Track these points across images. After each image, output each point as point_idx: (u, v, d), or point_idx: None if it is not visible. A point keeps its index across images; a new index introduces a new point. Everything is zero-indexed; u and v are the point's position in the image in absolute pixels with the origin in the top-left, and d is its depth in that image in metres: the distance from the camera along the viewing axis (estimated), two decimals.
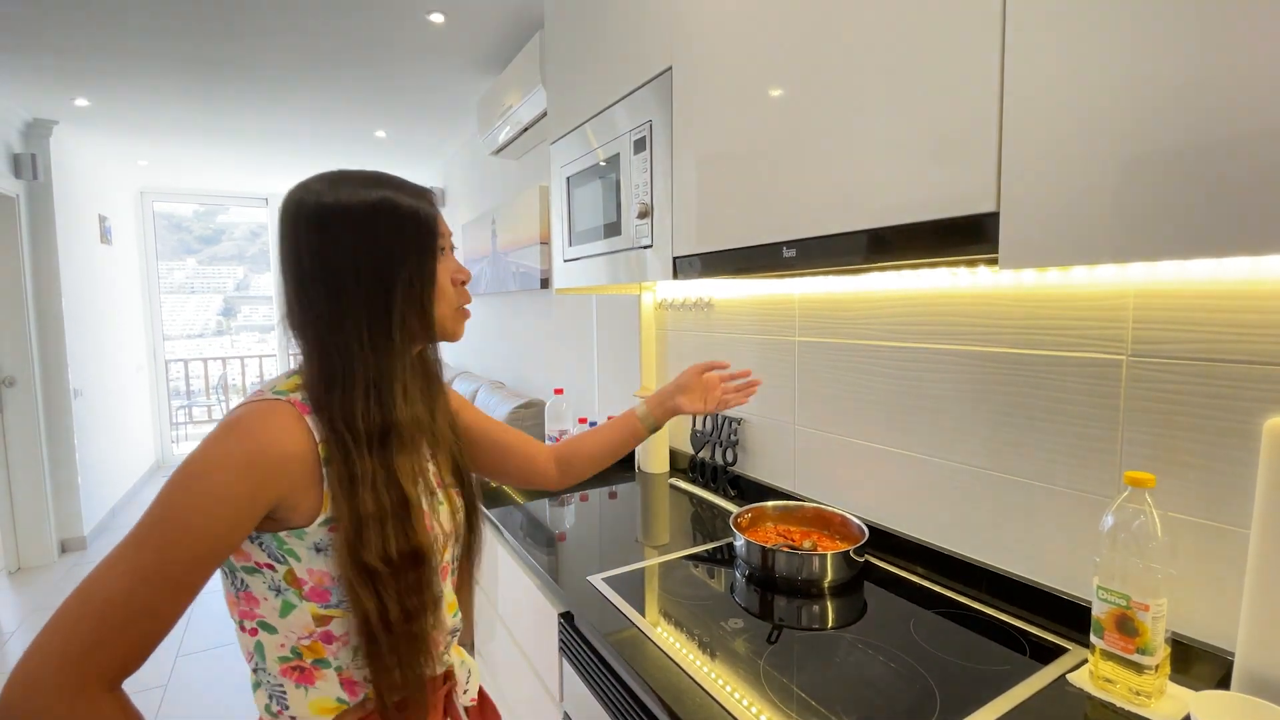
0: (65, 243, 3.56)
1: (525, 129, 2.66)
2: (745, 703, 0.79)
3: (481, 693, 0.91)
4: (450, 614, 0.80)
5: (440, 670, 0.79)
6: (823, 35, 0.90)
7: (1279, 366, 0.74)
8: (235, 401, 6.95)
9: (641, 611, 1.04)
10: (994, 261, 0.72)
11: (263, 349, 7.51)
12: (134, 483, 4.74)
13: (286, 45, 2.57)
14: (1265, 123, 0.51)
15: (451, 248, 0.79)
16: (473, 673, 0.87)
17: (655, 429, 1.09)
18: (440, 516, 0.77)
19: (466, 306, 0.79)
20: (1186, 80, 0.55)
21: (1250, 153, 0.52)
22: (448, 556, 0.79)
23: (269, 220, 5.92)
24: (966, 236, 0.72)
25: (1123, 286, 0.86)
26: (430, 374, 0.80)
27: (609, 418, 1.20)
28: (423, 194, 0.74)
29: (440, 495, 0.79)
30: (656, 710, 0.83)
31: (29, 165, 3.28)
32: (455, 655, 0.84)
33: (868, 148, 0.84)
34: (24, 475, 3.40)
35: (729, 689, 0.82)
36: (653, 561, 1.24)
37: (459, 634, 0.84)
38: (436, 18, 2.35)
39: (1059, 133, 0.64)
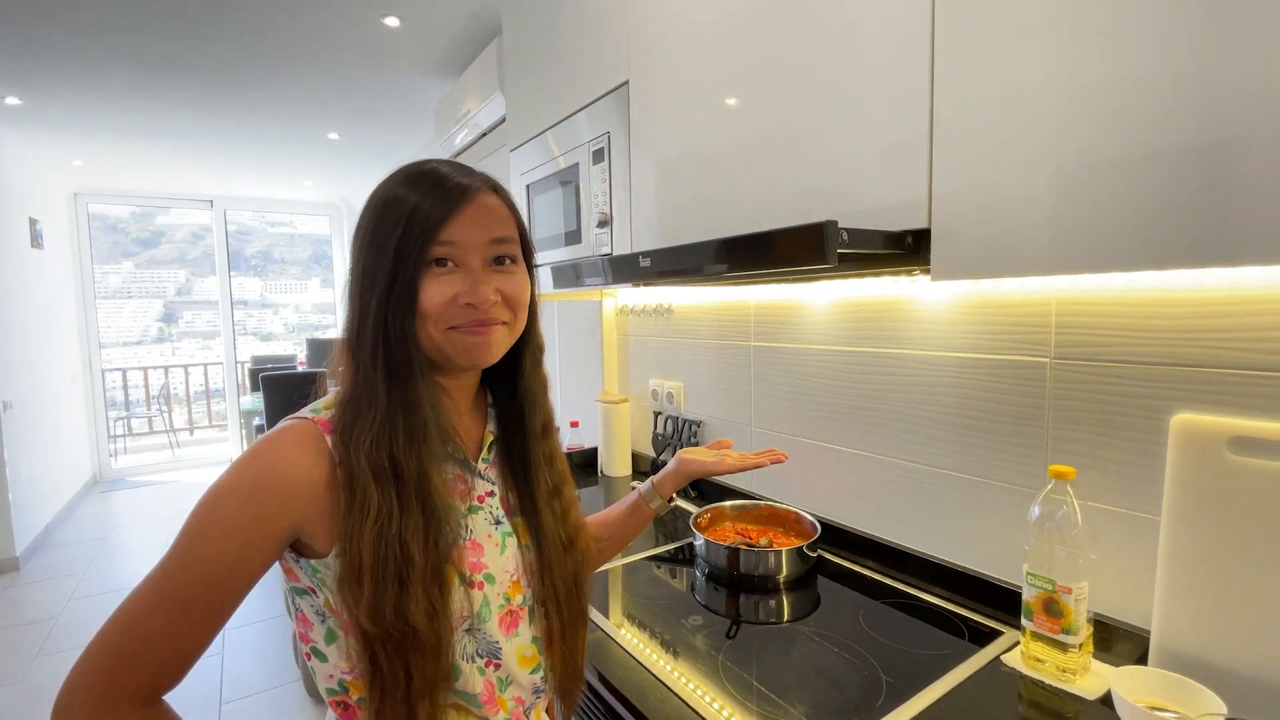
0: None
1: (484, 134, 2.66)
2: (707, 699, 0.83)
3: None
4: (525, 670, 0.68)
5: None
6: (771, 60, 0.94)
7: (1183, 367, 0.81)
8: (179, 412, 6.69)
9: (605, 613, 1.06)
10: (928, 271, 0.77)
11: (207, 356, 7.22)
12: (69, 499, 4.51)
13: (234, 44, 2.51)
14: (1162, 144, 0.57)
15: (487, 261, 0.63)
16: None
17: (664, 507, 0.93)
18: (505, 551, 0.68)
19: (473, 333, 0.63)
20: (1096, 110, 0.61)
21: (1151, 176, 0.58)
22: (519, 600, 0.68)
23: (213, 223, 5.71)
24: (904, 248, 0.78)
25: (1046, 295, 0.93)
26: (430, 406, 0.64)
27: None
28: (447, 191, 0.61)
29: (509, 525, 0.70)
30: (620, 709, 0.85)
31: None
32: None
33: (810, 162, 0.88)
34: None
35: (690, 685, 0.85)
36: (615, 564, 1.26)
37: (544, 696, 0.72)
38: (392, 21, 2.33)
39: (985, 159, 0.70)
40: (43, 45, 2.46)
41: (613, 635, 0.99)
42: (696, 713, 0.79)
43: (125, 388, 6.59)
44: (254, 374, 4.90)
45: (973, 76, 0.71)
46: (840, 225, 0.68)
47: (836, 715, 0.78)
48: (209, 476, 5.26)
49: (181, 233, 7.58)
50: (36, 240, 4.07)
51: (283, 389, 3.86)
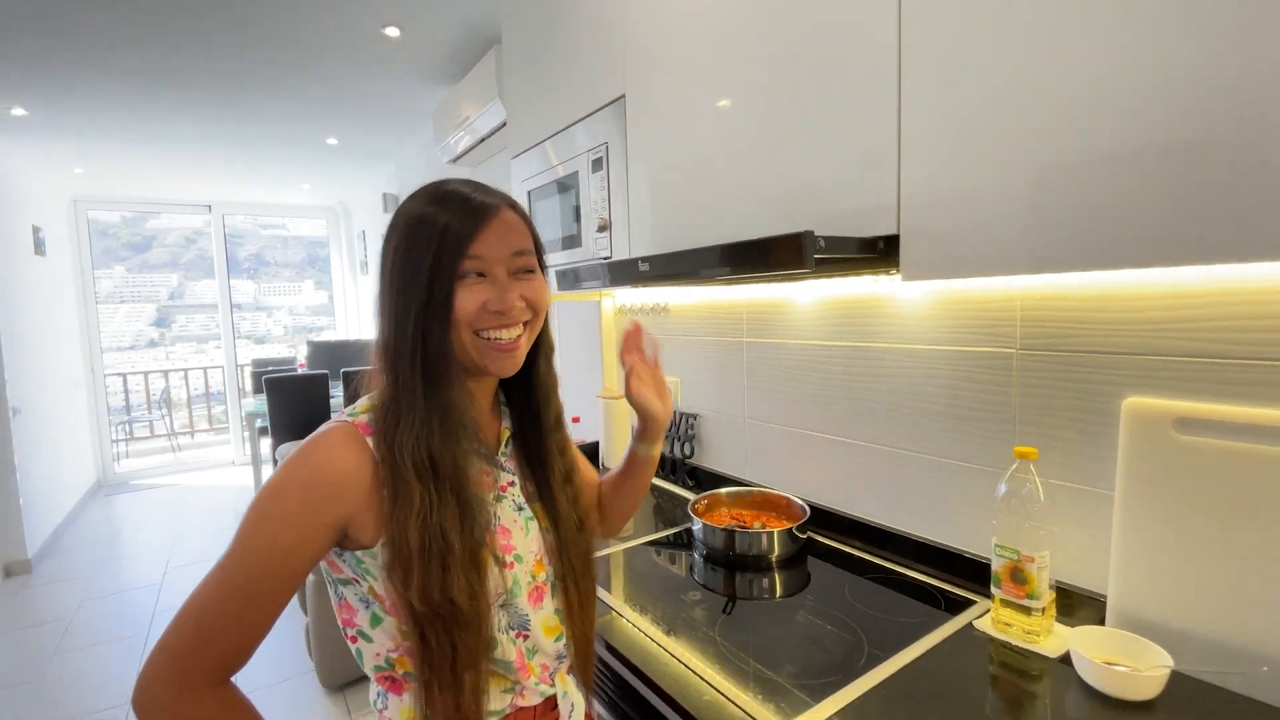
0: None
1: (483, 139, 2.73)
2: (705, 663, 0.91)
3: None
4: (550, 638, 0.77)
5: (537, 700, 0.76)
6: (757, 74, 1.02)
7: (1132, 356, 0.89)
8: (180, 415, 6.73)
9: (612, 592, 1.14)
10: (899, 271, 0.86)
11: (202, 360, 7.25)
12: (75, 503, 4.57)
13: (237, 56, 2.57)
14: (1108, 151, 0.65)
15: (511, 272, 0.69)
16: (576, 707, 0.81)
17: (649, 452, 0.94)
18: (529, 534, 0.76)
19: (499, 339, 0.69)
20: (1043, 122, 0.70)
21: (1097, 183, 0.66)
22: (543, 576, 0.76)
23: (212, 227, 5.77)
24: (876, 252, 0.86)
25: (1012, 292, 1.02)
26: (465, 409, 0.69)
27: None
28: (473, 210, 0.67)
29: (530, 511, 0.77)
30: (628, 676, 0.94)
31: None
32: (560, 685, 0.79)
33: (794, 170, 0.96)
34: None
35: (691, 653, 0.94)
36: (617, 548, 1.34)
37: (565, 661, 0.80)
38: (392, 31, 2.40)
39: (946, 166, 0.78)
40: (48, 57, 2.51)
41: (619, 610, 1.07)
42: (698, 675, 0.88)
43: (126, 392, 6.64)
44: (256, 376, 4.95)
45: (934, 90, 0.79)
46: (818, 233, 0.76)
47: (822, 674, 0.87)
48: (212, 479, 5.35)
49: (173, 236, 7.58)
50: (40, 248, 4.12)
51: (286, 391, 3.92)
